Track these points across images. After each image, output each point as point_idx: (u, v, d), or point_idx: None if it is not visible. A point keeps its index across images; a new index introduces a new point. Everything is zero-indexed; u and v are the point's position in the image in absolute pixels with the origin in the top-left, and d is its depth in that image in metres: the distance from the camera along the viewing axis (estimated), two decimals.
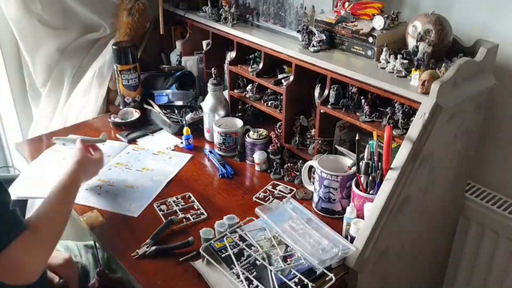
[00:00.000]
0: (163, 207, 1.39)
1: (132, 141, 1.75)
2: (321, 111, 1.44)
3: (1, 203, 1.00)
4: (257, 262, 1.16)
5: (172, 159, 1.63)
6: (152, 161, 1.63)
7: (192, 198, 1.43)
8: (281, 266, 1.14)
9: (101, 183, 1.49)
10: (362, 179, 1.26)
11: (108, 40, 1.91)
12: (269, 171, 1.58)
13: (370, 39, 1.36)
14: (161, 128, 1.84)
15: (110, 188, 1.47)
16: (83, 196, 1.42)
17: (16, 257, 0.98)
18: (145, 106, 1.90)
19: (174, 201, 1.41)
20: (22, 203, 1.39)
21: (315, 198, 1.39)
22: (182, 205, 1.40)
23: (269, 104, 1.67)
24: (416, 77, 1.22)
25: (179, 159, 1.64)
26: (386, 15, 1.37)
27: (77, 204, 1.39)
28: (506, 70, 1.38)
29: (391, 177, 1.16)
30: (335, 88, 1.40)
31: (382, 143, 1.22)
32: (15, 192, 1.38)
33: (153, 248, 1.22)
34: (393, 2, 1.51)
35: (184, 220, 1.33)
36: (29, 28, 1.75)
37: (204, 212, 1.37)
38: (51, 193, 1.18)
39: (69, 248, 1.57)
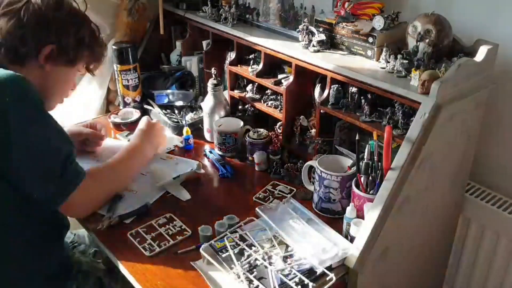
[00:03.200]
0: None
1: None
2: (321, 111, 1.44)
3: (66, 155, 1.18)
4: (257, 262, 1.16)
5: (178, 165, 1.60)
6: (158, 165, 1.58)
7: (174, 217, 1.36)
8: (282, 266, 1.14)
9: None
10: (362, 179, 1.26)
11: (108, 40, 1.91)
12: (269, 171, 1.58)
13: (370, 39, 1.36)
14: None
15: None
16: None
17: (76, 201, 1.21)
18: (145, 106, 1.90)
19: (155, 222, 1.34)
20: None
21: (315, 198, 1.39)
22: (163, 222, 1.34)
23: (269, 104, 1.67)
24: (416, 77, 1.22)
25: (185, 165, 1.59)
26: (386, 15, 1.37)
27: None
28: (506, 70, 1.38)
29: (391, 177, 1.16)
30: (335, 88, 1.40)
31: (382, 143, 1.22)
32: None
33: (116, 217, 1.32)
34: (393, 2, 1.51)
35: (167, 238, 1.27)
36: None
37: (187, 229, 1.31)
38: (118, 153, 1.42)
39: (80, 237, 1.57)
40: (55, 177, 1.17)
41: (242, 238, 1.23)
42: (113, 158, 1.40)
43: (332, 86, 1.41)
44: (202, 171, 1.55)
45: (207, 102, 1.71)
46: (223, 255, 1.17)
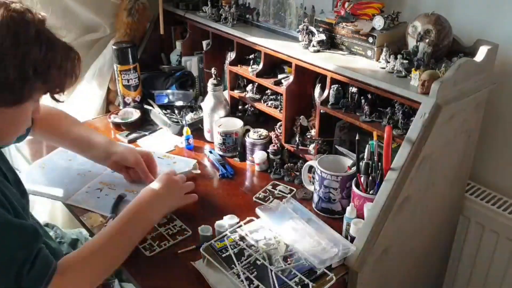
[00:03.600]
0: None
1: (132, 142, 1.75)
2: (321, 111, 1.44)
3: (20, 264, 0.90)
4: (257, 262, 1.16)
5: (176, 164, 1.60)
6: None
7: (174, 217, 1.36)
8: (282, 266, 1.14)
9: (102, 186, 1.47)
10: (362, 179, 1.26)
11: (108, 40, 1.91)
12: (269, 171, 1.58)
13: (370, 39, 1.36)
14: (161, 128, 1.84)
15: (110, 191, 1.45)
16: (82, 199, 1.41)
17: None
18: (145, 106, 1.90)
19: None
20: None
21: (315, 198, 1.39)
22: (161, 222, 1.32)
23: (269, 104, 1.67)
24: (416, 77, 1.22)
25: (183, 164, 1.60)
26: (386, 15, 1.37)
27: (75, 206, 1.39)
28: (506, 70, 1.38)
29: (391, 177, 1.16)
30: (335, 88, 1.40)
31: (382, 143, 1.22)
32: None
33: (114, 216, 1.25)
34: (393, 2, 1.51)
35: (168, 239, 1.26)
36: None
37: (187, 229, 1.31)
38: (115, 222, 1.07)
39: (81, 235, 1.55)
40: None
41: (242, 238, 1.23)
42: (108, 228, 1.08)
43: (332, 86, 1.41)
44: (198, 171, 1.55)
45: (207, 102, 1.71)
46: (223, 255, 1.17)
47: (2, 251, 0.89)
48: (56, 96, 1.03)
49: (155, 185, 1.24)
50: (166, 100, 1.88)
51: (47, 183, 1.49)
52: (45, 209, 1.88)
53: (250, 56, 1.72)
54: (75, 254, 1.01)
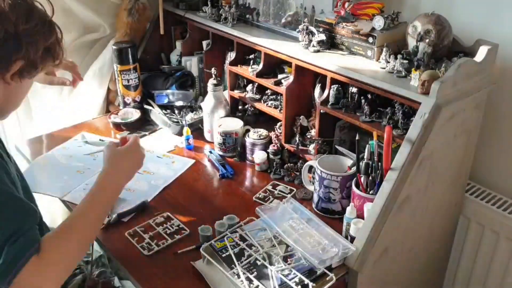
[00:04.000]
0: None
1: None
2: (321, 111, 1.44)
3: (7, 236, 0.93)
4: (257, 262, 1.16)
5: (174, 163, 1.62)
6: (154, 164, 1.61)
7: (171, 216, 1.37)
8: (282, 266, 1.14)
9: None
10: (362, 179, 1.26)
11: (108, 40, 1.91)
12: (269, 171, 1.58)
13: (370, 39, 1.36)
14: (161, 129, 1.84)
15: None
16: (79, 196, 1.42)
17: (26, 284, 0.93)
18: (145, 106, 1.90)
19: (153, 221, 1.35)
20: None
21: (315, 198, 1.39)
22: (161, 221, 1.34)
23: (269, 104, 1.67)
24: (416, 77, 1.22)
25: (181, 163, 1.61)
26: (386, 15, 1.37)
27: (73, 203, 1.40)
28: (506, 70, 1.38)
29: (391, 177, 1.16)
30: (335, 88, 1.40)
31: (382, 143, 1.22)
32: None
33: (115, 215, 1.31)
34: (393, 2, 1.51)
35: (166, 237, 1.28)
36: None
37: (185, 228, 1.32)
38: (80, 203, 1.08)
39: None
40: None
41: (242, 238, 1.23)
42: (75, 211, 1.08)
43: (332, 86, 1.41)
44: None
45: (207, 102, 1.71)
46: (223, 255, 1.17)
47: None
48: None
49: (117, 152, 1.19)
50: (166, 100, 1.88)
51: (47, 180, 1.49)
52: (45, 210, 1.87)
53: (250, 56, 1.72)
54: (50, 234, 1.01)
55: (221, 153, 1.67)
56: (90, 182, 1.48)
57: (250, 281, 1.10)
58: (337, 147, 1.46)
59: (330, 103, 1.42)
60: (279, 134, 1.62)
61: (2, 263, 0.91)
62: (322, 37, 1.45)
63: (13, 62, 1.00)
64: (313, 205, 1.40)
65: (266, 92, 1.69)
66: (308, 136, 1.58)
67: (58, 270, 0.98)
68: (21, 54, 1.01)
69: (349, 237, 1.23)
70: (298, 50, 1.48)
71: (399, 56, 1.28)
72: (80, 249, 1.05)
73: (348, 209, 1.24)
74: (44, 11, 1.07)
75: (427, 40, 1.25)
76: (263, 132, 1.63)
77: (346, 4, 1.43)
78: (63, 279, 1.00)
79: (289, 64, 1.58)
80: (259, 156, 1.57)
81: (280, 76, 1.62)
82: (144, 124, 1.85)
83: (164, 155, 1.66)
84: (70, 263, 1.02)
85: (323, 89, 1.47)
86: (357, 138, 1.26)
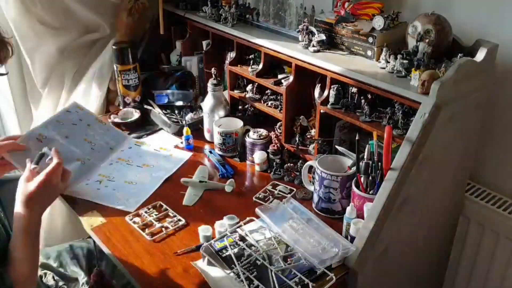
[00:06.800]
0: (137, 219, 1.34)
1: None
2: (321, 111, 1.44)
3: None
4: (257, 262, 1.16)
5: (172, 156, 1.65)
6: (152, 157, 1.64)
7: (165, 206, 1.40)
8: (282, 266, 1.14)
9: (101, 178, 1.50)
10: (362, 179, 1.26)
11: (108, 40, 1.91)
12: (269, 171, 1.58)
13: (370, 39, 1.36)
14: (161, 128, 1.84)
15: (109, 183, 1.48)
16: (82, 191, 1.44)
17: None
18: (145, 106, 1.90)
19: (146, 212, 1.37)
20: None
21: (315, 198, 1.39)
22: (155, 214, 1.36)
23: (269, 104, 1.67)
24: (416, 77, 1.22)
25: (179, 156, 1.65)
26: (386, 15, 1.36)
27: (77, 197, 1.41)
28: (506, 70, 1.38)
29: (391, 177, 1.16)
30: (335, 88, 1.40)
31: (382, 143, 1.22)
32: None
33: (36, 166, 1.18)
34: (393, 2, 1.51)
35: (163, 229, 1.31)
36: (29, 28, 1.75)
37: (181, 218, 1.34)
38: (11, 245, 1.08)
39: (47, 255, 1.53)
40: None
41: (242, 238, 1.23)
42: (12, 257, 1.07)
43: (332, 86, 1.41)
44: (231, 188, 1.48)
45: (207, 102, 1.71)
46: (223, 255, 1.17)
47: None
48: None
49: (28, 191, 1.12)
50: (166, 100, 1.89)
51: None
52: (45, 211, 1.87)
53: (250, 56, 1.72)
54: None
55: (221, 153, 1.67)
56: (90, 177, 1.49)
57: (250, 281, 1.10)
58: (337, 147, 1.46)
59: (330, 103, 1.42)
60: (279, 134, 1.62)
61: None
62: (322, 37, 1.45)
63: None
64: (313, 205, 1.40)
65: (266, 92, 1.69)
66: (308, 136, 1.58)
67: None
68: None
69: (349, 237, 1.23)
70: (298, 50, 1.48)
71: (399, 56, 1.28)
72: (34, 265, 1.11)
73: (348, 209, 1.24)
74: None
75: (427, 40, 1.25)
76: (263, 132, 1.63)
77: (346, 4, 1.43)
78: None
79: (289, 64, 1.58)
80: (259, 156, 1.57)
81: (280, 76, 1.62)
82: (144, 124, 1.85)
83: (161, 147, 1.69)
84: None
85: (323, 89, 1.47)
86: (357, 138, 1.26)
